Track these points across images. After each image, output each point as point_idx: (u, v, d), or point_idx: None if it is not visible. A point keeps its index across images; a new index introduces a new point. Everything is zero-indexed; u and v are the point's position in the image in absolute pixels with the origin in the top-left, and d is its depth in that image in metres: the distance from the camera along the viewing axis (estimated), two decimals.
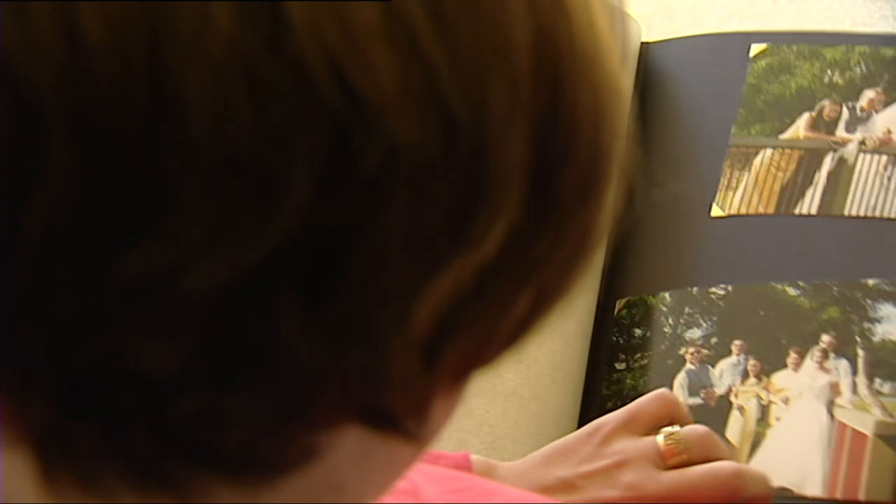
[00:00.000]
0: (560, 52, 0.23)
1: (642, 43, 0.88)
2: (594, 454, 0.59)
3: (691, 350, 0.75)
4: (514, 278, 0.24)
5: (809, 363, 0.72)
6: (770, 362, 0.73)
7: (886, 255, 0.74)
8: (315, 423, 0.24)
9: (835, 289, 0.73)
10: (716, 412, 0.72)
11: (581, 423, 0.72)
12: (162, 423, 0.22)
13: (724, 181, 0.80)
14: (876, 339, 0.72)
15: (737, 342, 0.74)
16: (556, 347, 0.76)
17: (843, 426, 0.69)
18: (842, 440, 0.68)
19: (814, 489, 0.67)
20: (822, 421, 0.69)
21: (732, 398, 0.73)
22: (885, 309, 0.72)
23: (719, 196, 0.80)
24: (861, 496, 0.67)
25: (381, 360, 0.23)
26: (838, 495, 0.67)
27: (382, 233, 0.22)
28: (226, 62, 0.20)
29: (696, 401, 0.73)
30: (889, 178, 0.77)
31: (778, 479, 0.65)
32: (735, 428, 0.71)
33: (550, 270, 0.25)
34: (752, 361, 0.74)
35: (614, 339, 0.77)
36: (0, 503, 0.24)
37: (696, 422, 0.62)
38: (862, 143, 0.79)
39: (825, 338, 0.72)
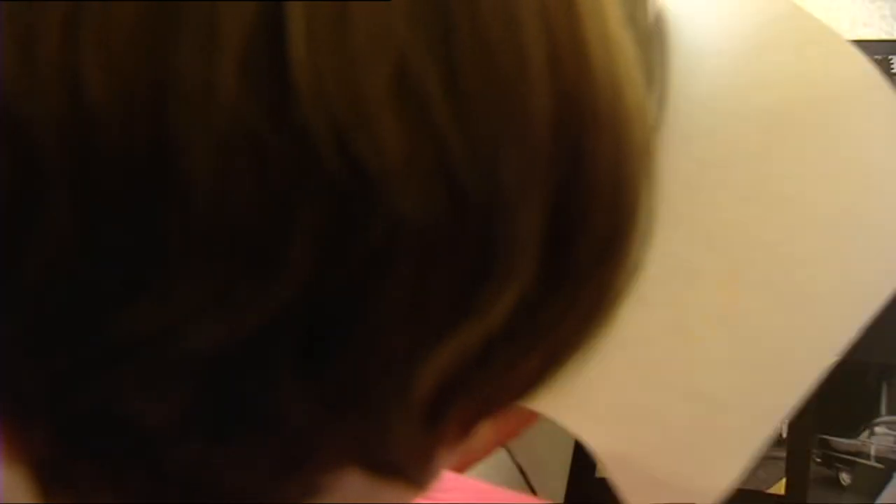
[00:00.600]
0: (582, 120, 0.22)
1: None
2: None
3: None
4: (523, 344, 0.23)
5: None
6: None
7: None
8: (315, 469, 0.24)
9: None
10: None
11: None
12: (158, 467, 0.22)
13: None
14: None
15: None
16: None
17: None
18: None
19: None
20: None
21: None
22: None
23: None
24: None
25: (380, 425, 0.23)
26: None
27: (385, 303, 0.21)
28: (229, 129, 0.20)
29: None
30: None
31: None
32: None
33: (562, 333, 0.24)
34: None
35: None
36: None
37: None
38: None
39: None
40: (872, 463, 0.72)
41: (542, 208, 0.22)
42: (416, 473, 0.24)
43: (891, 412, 0.73)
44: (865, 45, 0.83)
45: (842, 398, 0.74)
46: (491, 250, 0.22)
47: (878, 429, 0.72)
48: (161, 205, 0.20)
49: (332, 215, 0.20)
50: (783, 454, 0.73)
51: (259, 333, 0.21)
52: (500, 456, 0.74)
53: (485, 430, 0.27)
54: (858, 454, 0.72)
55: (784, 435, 0.74)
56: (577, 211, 0.22)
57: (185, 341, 0.21)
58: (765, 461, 0.73)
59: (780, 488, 0.72)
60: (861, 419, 0.73)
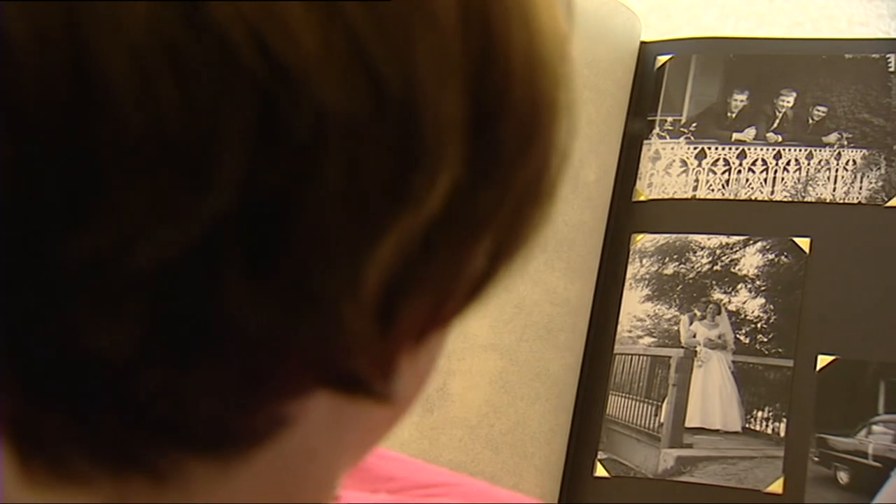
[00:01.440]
0: (488, 3, 0.23)
1: (641, 42, 0.88)
2: None
3: None
4: (464, 233, 0.24)
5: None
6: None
7: None
8: (281, 392, 0.24)
9: None
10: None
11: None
12: (125, 404, 0.22)
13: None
14: None
15: None
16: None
17: None
18: None
19: None
20: None
21: None
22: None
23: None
24: None
25: (334, 325, 0.23)
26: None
27: (320, 198, 0.22)
28: (145, 40, 0.20)
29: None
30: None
31: None
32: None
33: (502, 222, 0.25)
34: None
35: None
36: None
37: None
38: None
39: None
40: (870, 462, 0.71)
41: (461, 92, 0.23)
42: (380, 387, 0.24)
43: (888, 411, 0.72)
44: (862, 44, 0.83)
45: (839, 397, 0.74)
46: (416, 137, 0.22)
47: (875, 427, 0.72)
48: (88, 126, 0.20)
49: (258, 115, 0.21)
50: (781, 453, 0.73)
51: (202, 242, 0.21)
52: (492, 454, 0.74)
53: (430, 347, 0.28)
54: (856, 453, 0.72)
55: (782, 434, 0.73)
56: (495, 93, 0.23)
57: (132, 260, 0.21)
58: (762, 460, 0.73)
59: (778, 487, 0.72)
60: (859, 418, 0.73)
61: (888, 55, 0.82)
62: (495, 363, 0.76)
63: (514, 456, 0.75)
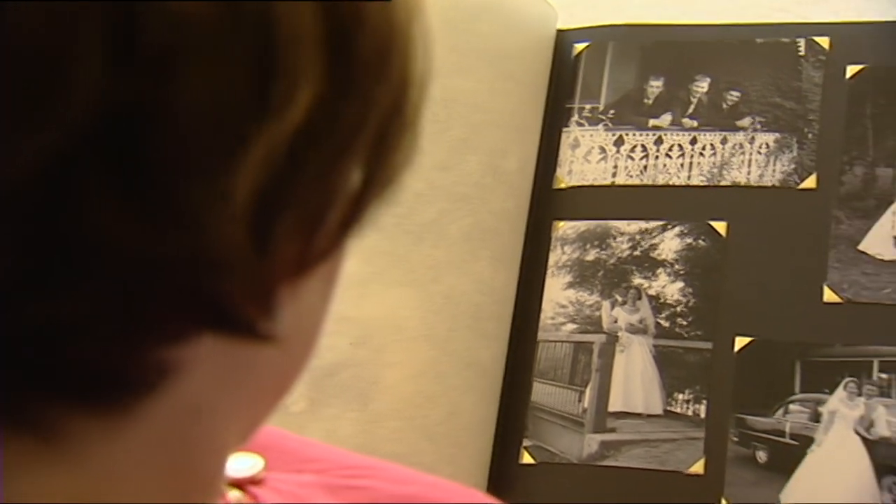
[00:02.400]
0: None
1: (558, 30, 0.89)
2: None
3: None
4: (330, 149, 0.24)
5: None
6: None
7: None
8: (159, 333, 0.24)
9: None
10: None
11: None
12: (7, 347, 0.22)
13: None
14: None
15: None
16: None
17: None
18: None
19: None
20: None
21: None
22: None
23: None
24: None
25: (205, 241, 0.23)
26: None
27: (180, 106, 0.22)
28: None
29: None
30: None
31: None
32: None
33: (369, 140, 0.25)
34: None
35: None
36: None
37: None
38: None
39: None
40: (787, 440, 0.73)
41: (317, 4, 0.23)
42: (261, 321, 0.24)
43: (804, 390, 0.74)
44: (773, 29, 0.85)
45: (757, 377, 0.75)
46: (273, 46, 0.23)
47: (792, 406, 0.74)
48: None
49: (113, 24, 0.21)
50: (702, 435, 0.74)
51: (65, 155, 0.21)
52: (428, 445, 0.75)
53: (312, 295, 0.28)
54: (774, 432, 0.74)
55: (703, 416, 0.75)
56: (350, 7, 0.24)
57: None
58: (684, 442, 0.75)
59: (699, 468, 0.74)
60: (776, 397, 0.75)
61: (798, 39, 0.83)
62: (427, 354, 0.76)
63: (450, 446, 0.75)
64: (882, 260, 0.76)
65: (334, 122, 0.24)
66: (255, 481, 0.37)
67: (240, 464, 0.38)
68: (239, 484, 0.37)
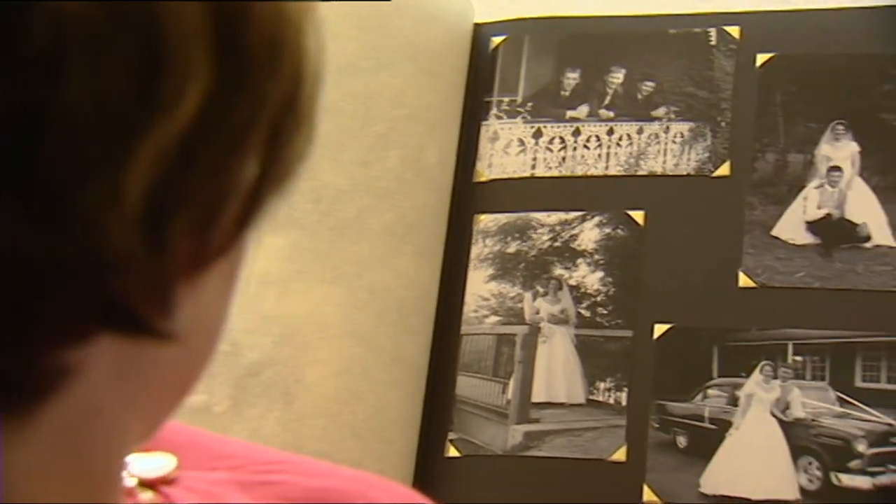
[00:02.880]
0: None
1: (475, 24, 0.89)
2: None
3: None
4: (222, 145, 0.25)
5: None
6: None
7: None
8: (58, 334, 0.24)
9: None
10: None
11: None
12: None
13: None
14: None
15: None
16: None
17: None
18: None
19: None
20: None
21: None
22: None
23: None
24: None
25: (98, 241, 0.23)
26: None
27: (67, 107, 0.22)
28: None
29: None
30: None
31: None
32: None
33: (263, 135, 0.26)
34: None
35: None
36: None
37: None
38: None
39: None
40: (707, 425, 0.75)
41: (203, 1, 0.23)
42: (158, 320, 0.25)
43: (722, 374, 0.76)
44: (685, 20, 0.86)
45: (676, 364, 0.77)
46: (160, 43, 0.23)
47: (710, 391, 0.76)
48: None
49: None
50: (623, 422, 0.76)
51: None
52: (355, 441, 0.75)
53: (213, 291, 0.28)
54: (693, 417, 0.75)
55: (624, 403, 0.76)
56: (239, 3, 0.24)
57: None
58: (606, 430, 0.76)
59: (621, 455, 0.75)
60: (695, 383, 0.76)
61: (709, 29, 0.84)
62: (352, 350, 0.76)
63: (378, 442, 0.76)
64: (794, 244, 0.78)
65: (225, 119, 0.24)
66: (167, 481, 0.38)
67: (152, 463, 0.38)
68: (151, 484, 0.37)
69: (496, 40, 0.89)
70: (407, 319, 0.79)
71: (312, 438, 0.74)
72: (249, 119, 0.25)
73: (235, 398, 0.74)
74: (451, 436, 0.78)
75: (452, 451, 0.77)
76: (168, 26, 0.23)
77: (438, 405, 0.79)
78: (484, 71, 0.88)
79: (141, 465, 0.38)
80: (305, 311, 0.76)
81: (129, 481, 0.37)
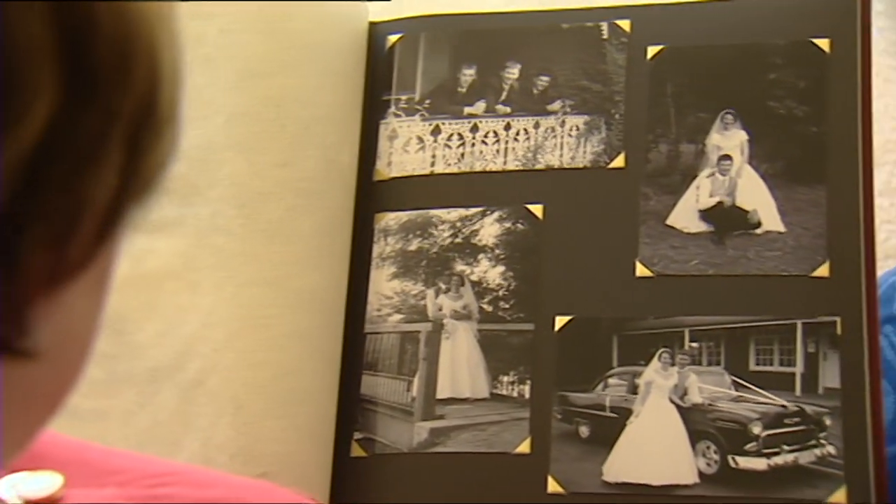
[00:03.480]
0: None
1: (370, 23, 0.89)
2: None
3: None
4: (74, 160, 0.24)
5: None
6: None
7: None
8: None
9: None
10: None
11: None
12: None
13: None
14: None
15: None
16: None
17: None
18: None
19: None
20: None
21: None
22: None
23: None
24: None
25: None
26: None
27: None
28: None
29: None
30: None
31: None
32: None
33: (121, 146, 0.25)
34: None
35: None
36: None
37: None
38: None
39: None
40: (608, 413, 0.76)
41: (47, 14, 0.23)
42: (15, 338, 0.24)
43: (622, 363, 0.77)
44: (577, 14, 0.87)
45: (578, 354, 0.78)
46: (4, 58, 0.23)
47: (611, 380, 0.77)
48: None
49: None
50: (527, 414, 0.77)
51: None
52: (302, 441, 0.75)
53: (81, 302, 0.28)
54: (595, 406, 0.76)
55: (527, 396, 0.77)
56: (82, 15, 0.24)
57: None
58: (510, 423, 0.77)
59: (525, 447, 0.76)
60: (596, 373, 0.77)
61: (601, 23, 0.85)
62: (296, 351, 0.76)
63: (326, 444, 0.76)
64: (688, 233, 0.79)
65: (76, 134, 0.24)
66: (53, 500, 0.37)
67: (38, 483, 0.38)
68: None
69: (392, 39, 0.89)
70: (332, 320, 0.80)
71: (267, 441, 0.74)
72: (101, 133, 0.25)
73: (183, 410, 0.73)
74: (357, 435, 0.78)
75: (357, 451, 0.78)
76: (15, 44, 0.23)
77: (346, 406, 0.79)
78: (381, 70, 0.88)
79: (27, 485, 0.38)
80: (244, 315, 0.76)
81: (15, 502, 0.37)
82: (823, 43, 0.80)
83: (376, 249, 0.83)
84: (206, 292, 0.76)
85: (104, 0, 0.24)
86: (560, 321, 0.78)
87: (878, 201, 1.26)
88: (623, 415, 0.76)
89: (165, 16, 0.26)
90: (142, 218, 0.28)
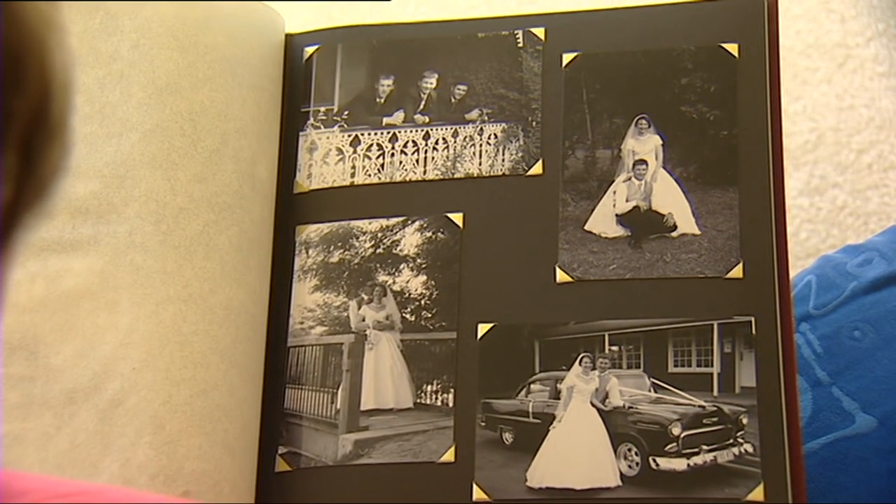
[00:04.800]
0: None
1: (287, 35, 0.89)
2: None
3: None
4: None
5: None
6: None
7: None
8: None
9: None
10: None
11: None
12: None
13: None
14: None
15: None
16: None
17: None
18: None
19: None
20: None
21: None
22: None
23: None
24: None
25: None
26: None
27: None
28: None
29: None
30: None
31: None
32: None
33: (13, 154, 0.25)
34: None
35: None
36: None
37: None
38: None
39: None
40: (531, 420, 0.77)
41: None
42: None
43: (544, 369, 0.78)
44: (493, 23, 0.88)
45: (500, 361, 0.78)
46: None
47: (533, 386, 0.77)
48: None
49: None
50: (451, 423, 0.77)
51: None
52: (231, 461, 0.75)
53: None
54: (518, 413, 0.77)
55: (451, 404, 0.78)
56: None
57: None
58: (434, 432, 0.77)
59: (450, 456, 0.76)
60: (518, 379, 0.78)
61: (516, 31, 0.86)
62: (217, 367, 0.76)
63: (250, 460, 0.76)
64: (606, 238, 0.80)
65: None
66: None
67: None
68: None
69: (309, 50, 0.89)
70: (262, 336, 0.79)
71: (190, 458, 0.73)
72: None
73: (101, 431, 0.73)
74: (281, 450, 0.78)
75: (282, 465, 0.77)
76: None
77: (270, 420, 0.79)
78: (299, 81, 0.88)
79: None
80: (163, 332, 0.76)
81: None
82: (733, 48, 0.81)
83: (298, 262, 0.83)
84: (124, 311, 0.75)
85: None
86: (482, 328, 0.79)
87: (799, 201, 1.29)
88: (546, 420, 0.76)
89: (56, 24, 0.26)
90: (43, 236, 0.28)
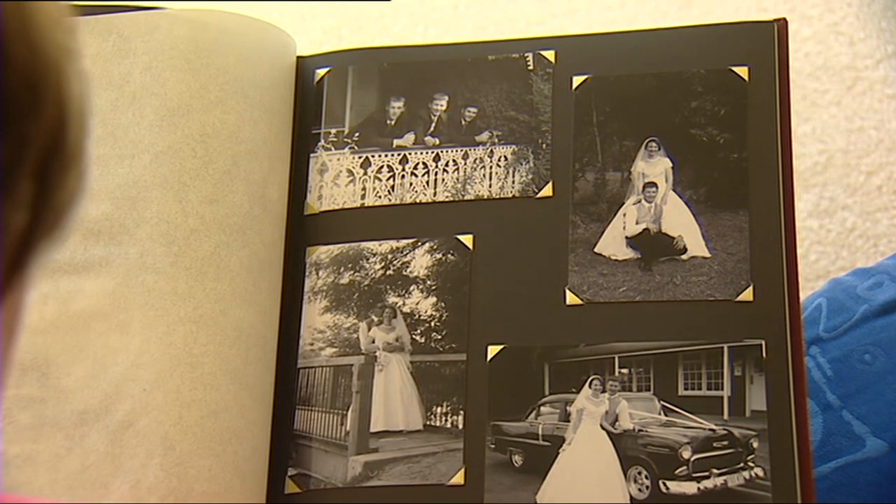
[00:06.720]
0: None
1: (298, 57, 0.90)
2: None
3: None
4: None
5: None
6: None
7: None
8: None
9: None
10: None
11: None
12: None
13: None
14: None
15: None
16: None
17: None
18: None
19: None
20: None
21: None
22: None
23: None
24: None
25: None
26: None
27: None
28: None
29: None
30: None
31: None
32: None
33: (30, 180, 0.26)
34: None
35: None
36: None
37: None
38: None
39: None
40: (541, 442, 0.77)
41: None
42: None
43: (554, 391, 0.78)
44: (503, 45, 0.88)
45: (510, 384, 0.78)
46: None
47: (543, 409, 0.77)
48: None
49: None
50: (461, 445, 0.77)
51: None
52: (240, 482, 0.75)
53: None
54: (528, 435, 0.77)
55: (461, 426, 0.78)
56: None
57: None
58: (444, 454, 0.77)
59: (459, 478, 0.76)
60: (528, 401, 0.78)
61: (526, 54, 0.86)
62: (227, 389, 0.76)
63: (260, 483, 0.76)
64: (616, 260, 0.80)
65: None
66: None
67: None
68: None
69: (320, 72, 0.89)
70: (271, 357, 0.80)
71: (200, 480, 0.73)
72: (13, 162, 0.25)
73: (112, 453, 0.73)
74: (291, 472, 0.78)
75: (292, 487, 0.77)
76: None
77: (280, 442, 0.79)
78: (310, 103, 0.89)
79: None
80: (174, 354, 0.76)
81: None
82: (743, 71, 0.82)
83: (308, 283, 0.84)
84: (135, 332, 0.76)
85: (15, 32, 0.25)
86: (492, 350, 0.79)
87: (808, 223, 1.29)
88: (556, 443, 0.76)
89: (73, 51, 0.26)
90: (55, 258, 0.28)
